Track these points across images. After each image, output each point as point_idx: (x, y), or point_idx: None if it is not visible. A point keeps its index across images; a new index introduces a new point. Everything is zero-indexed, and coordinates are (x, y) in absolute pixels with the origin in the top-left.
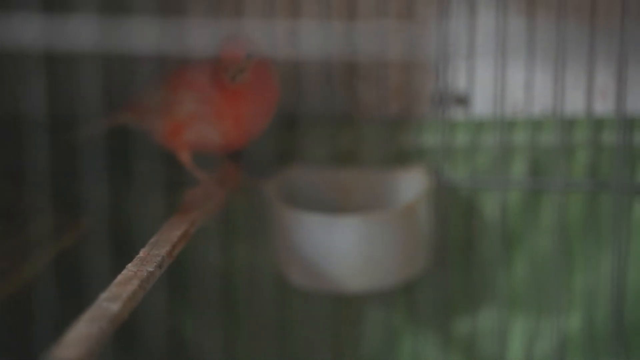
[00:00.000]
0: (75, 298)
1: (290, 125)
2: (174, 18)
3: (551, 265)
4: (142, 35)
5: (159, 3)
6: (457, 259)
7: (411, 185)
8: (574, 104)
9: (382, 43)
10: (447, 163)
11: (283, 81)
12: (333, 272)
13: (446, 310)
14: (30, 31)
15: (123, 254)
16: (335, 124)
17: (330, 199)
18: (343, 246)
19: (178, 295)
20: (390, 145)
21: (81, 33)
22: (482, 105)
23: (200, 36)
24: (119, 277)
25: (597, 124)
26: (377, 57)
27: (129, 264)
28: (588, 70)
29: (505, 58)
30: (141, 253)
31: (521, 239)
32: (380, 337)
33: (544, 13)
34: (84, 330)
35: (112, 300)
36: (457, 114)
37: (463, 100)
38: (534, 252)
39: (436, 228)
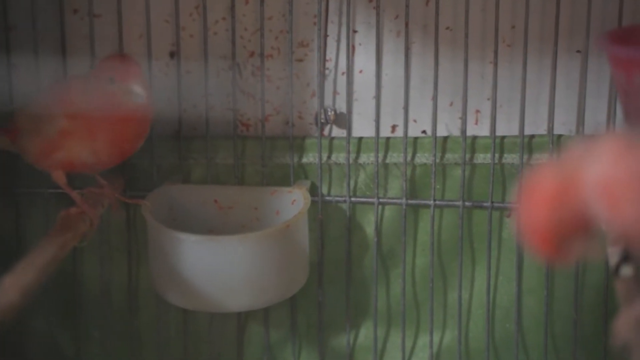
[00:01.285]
0: None
1: (171, 142)
2: None
3: (428, 281)
4: None
5: None
6: (336, 275)
7: (291, 202)
8: (451, 124)
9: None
10: (327, 180)
11: (163, 98)
12: (210, 291)
13: (325, 326)
14: None
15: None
16: (217, 140)
17: (210, 217)
18: (220, 266)
19: (58, 312)
20: (271, 162)
21: None
22: (361, 125)
23: None
24: None
25: (472, 144)
26: (258, 74)
27: None
28: (463, 92)
29: (380, 79)
30: (6, 281)
31: (399, 255)
32: (260, 352)
33: (419, 35)
34: None
35: None
36: (337, 132)
37: (343, 119)
38: (412, 268)
39: (315, 245)
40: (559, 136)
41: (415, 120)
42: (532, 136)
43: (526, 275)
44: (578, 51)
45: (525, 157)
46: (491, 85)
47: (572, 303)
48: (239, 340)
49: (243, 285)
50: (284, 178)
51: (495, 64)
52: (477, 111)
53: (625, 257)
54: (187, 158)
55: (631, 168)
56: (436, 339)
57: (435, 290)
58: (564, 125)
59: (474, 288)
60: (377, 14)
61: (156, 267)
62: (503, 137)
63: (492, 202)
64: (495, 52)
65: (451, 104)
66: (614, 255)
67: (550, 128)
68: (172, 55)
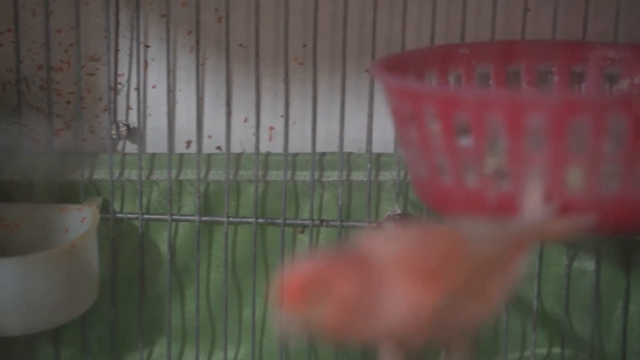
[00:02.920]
0: None
1: None
2: None
3: (222, 297)
4: None
5: None
6: (129, 292)
7: (81, 220)
8: (245, 140)
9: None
10: (120, 197)
11: None
12: None
13: (119, 344)
14: None
15: None
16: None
17: None
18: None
19: None
20: (61, 179)
21: None
22: (155, 140)
23: None
24: None
25: (265, 161)
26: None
27: None
28: (256, 109)
29: (174, 94)
30: None
31: (194, 271)
32: None
33: (213, 51)
34: None
35: None
36: (131, 148)
37: (136, 135)
38: (207, 284)
39: (108, 262)
40: (349, 154)
41: (209, 136)
42: (323, 154)
43: None
44: (366, 71)
45: (317, 174)
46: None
47: None
48: None
49: (22, 309)
50: (75, 195)
51: (287, 82)
52: (271, 128)
53: None
54: None
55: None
56: (231, 354)
57: (230, 306)
58: (354, 142)
59: (269, 303)
60: (168, 30)
61: None
62: (296, 155)
63: (285, 219)
64: (286, 70)
65: (245, 120)
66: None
67: (341, 146)
68: None
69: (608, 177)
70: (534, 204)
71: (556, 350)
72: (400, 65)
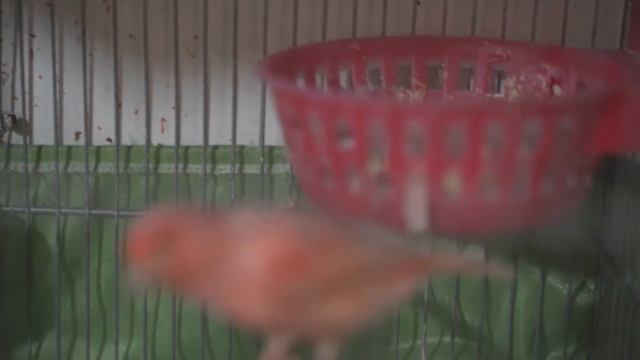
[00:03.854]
0: None
1: None
2: None
3: (114, 290)
4: None
5: None
6: (17, 287)
7: None
8: (136, 132)
9: None
10: (5, 190)
11: None
12: None
13: (6, 339)
14: None
15: None
16: None
17: None
18: None
19: None
20: None
21: None
22: (42, 132)
23: None
24: None
25: (156, 154)
26: None
27: None
28: (146, 101)
29: (62, 85)
30: None
31: (84, 265)
32: None
33: (101, 41)
34: None
35: None
36: (17, 139)
37: (22, 126)
38: (98, 277)
39: None
40: (242, 147)
41: (99, 128)
42: (216, 146)
43: None
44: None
45: (210, 167)
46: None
47: None
48: None
49: None
50: None
51: (177, 74)
52: (163, 120)
53: None
54: None
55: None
56: (123, 347)
57: (121, 299)
58: (247, 135)
59: (161, 296)
60: (52, 19)
61: None
62: (188, 147)
63: None
64: (177, 62)
65: (136, 112)
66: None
67: (234, 139)
68: None
69: (486, 182)
70: (415, 210)
71: (447, 339)
72: (290, 62)
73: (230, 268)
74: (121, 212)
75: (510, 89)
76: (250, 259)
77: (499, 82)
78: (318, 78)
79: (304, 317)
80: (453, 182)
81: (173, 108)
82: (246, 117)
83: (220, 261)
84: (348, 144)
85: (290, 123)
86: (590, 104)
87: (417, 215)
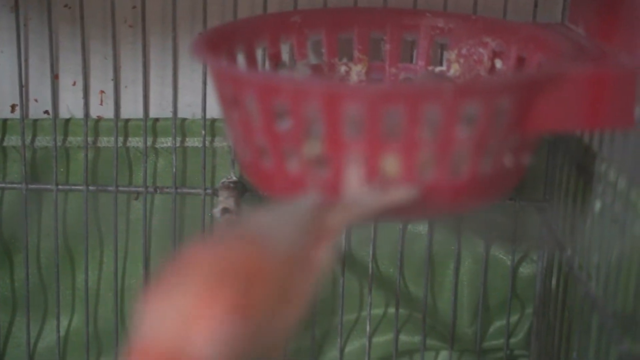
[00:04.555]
0: None
1: None
2: None
3: (54, 265)
4: None
5: None
6: None
7: None
8: (74, 105)
9: None
10: None
11: None
12: None
13: None
14: None
15: None
16: None
17: None
18: None
19: None
20: None
21: None
22: None
23: None
24: None
25: (95, 127)
26: None
27: None
28: (83, 72)
29: None
30: None
31: (22, 240)
32: None
33: (37, 11)
34: None
35: None
36: None
37: None
38: (37, 253)
39: None
40: (183, 120)
41: (36, 100)
42: (156, 119)
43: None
44: (200, 33)
45: (151, 140)
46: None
47: None
48: None
49: None
50: None
51: (115, 45)
52: (102, 92)
53: None
54: None
55: None
56: (64, 322)
57: (62, 274)
58: (189, 107)
59: (102, 271)
60: None
61: None
62: (128, 120)
63: (118, 186)
64: (114, 32)
65: (74, 84)
66: None
67: (175, 111)
68: None
69: (425, 164)
70: (353, 190)
71: (391, 310)
72: (229, 37)
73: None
74: (60, 187)
75: (452, 62)
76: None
77: (442, 55)
78: (259, 52)
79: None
80: (391, 164)
81: (112, 80)
82: (188, 88)
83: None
84: (286, 124)
85: (228, 102)
86: (527, 84)
87: (355, 195)
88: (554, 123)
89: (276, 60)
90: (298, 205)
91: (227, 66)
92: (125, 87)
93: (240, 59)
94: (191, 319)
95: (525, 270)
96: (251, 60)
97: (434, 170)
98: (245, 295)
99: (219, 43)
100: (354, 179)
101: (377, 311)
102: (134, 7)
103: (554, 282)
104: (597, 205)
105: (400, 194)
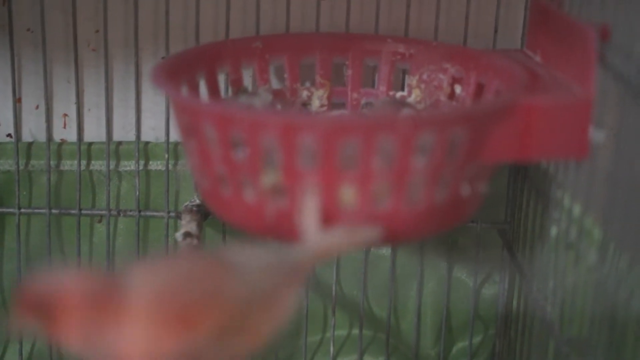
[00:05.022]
0: None
1: None
2: None
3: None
4: None
5: None
6: None
7: None
8: (37, 128)
9: None
10: None
11: None
12: None
13: None
14: None
15: None
16: None
17: None
18: None
19: None
20: None
21: None
22: None
23: None
24: None
25: (58, 150)
26: None
27: None
28: (46, 96)
29: None
30: None
31: None
32: None
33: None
34: None
35: None
36: None
37: None
38: (0, 276)
39: None
40: (147, 143)
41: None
42: (119, 142)
43: None
44: (163, 58)
45: (114, 163)
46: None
47: None
48: None
49: None
50: None
51: (77, 68)
52: (65, 115)
53: None
54: None
55: None
56: (27, 346)
57: None
58: (152, 130)
59: None
60: None
61: None
62: (91, 143)
63: (81, 209)
64: (76, 56)
65: (37, 107)
66: None
67: (137, 135)
68: None
69: (380, 193)
70: (310, 221)
71: (355, 331)
72: (190, 63)
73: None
74: (23, 210)
75: (414, 88)
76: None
77: (404, 80)
78: (222, 77)
79: None
80: (348, 194)
81: (75, 103)
82: (151, 112)
83: (102, 328)
84: (244, 153)
85: (187, 131)
86: (482, 115)
87: (311, 227)
88: (509, 153)
89: (238, 86)
90: (271, 246)
91: (185, 96)
92: (89, 110)
93: (202, 85)
94: (130, 336)
95: (487, 291)
96: (213, 86)
97: (391, 200)
98: (191, 315)
99: (180, 69)
100: (311, 209)
101: (341, 332)
102: (97, 30)
103: (515, 304)
104: (554, 230)
105: (365, 234)
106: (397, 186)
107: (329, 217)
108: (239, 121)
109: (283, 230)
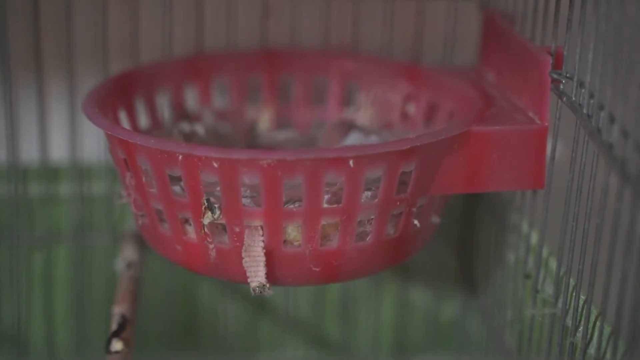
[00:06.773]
0: None
1: None
2: None
3: None
4: None
5: None
6: None
7: None
8: None
9: None
10: None
11: None
12: None
13: None
14: None
15: None
16: None
17: None
18: None
19: None
20: None
21: None
22: None
23: None
24: None
25: None
26: None
27: None
28: None
29: None
30: None
31: None
32: None
33: None
34: None
35: None
36: None
37: None
38: None
39: None
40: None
41: None
42: (58, 167)
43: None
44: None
45: (52, 187)
46: None
47: None
48: None
49: None
50: None
51: (9, 88)
52: None
53: (120, 327)
54: None
55: None
56: None
57: None
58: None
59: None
60: None
61: None
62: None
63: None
64: (8, 74)
65: None
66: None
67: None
68: None
69: (327, 230)
70: (253, 262)
71: (311, 351)
72: (127, 86)
73: None
74: None
75: (365, 105)
76: None
77: (356, 96)
78: (162, 100)
79: None
80: (293, 231)
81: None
82: (91, 133)
83: None
84: (182, 189)
85: (121, 164)
86: (431, 148)
87: (255, 267)
88: (460, 184)
89: (179, 110)
90: None
91: (117, 129)
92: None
93: (140, 109)
94: None
95: (445, 313)
96: (152, 110)
97: (338, 236)
98: None
99: (116, 94)
100: (253, 250)
101: (296, 353)
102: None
103: (472, 326)
104: (511, 257)
105: None
106: (345, 222)
107: (274, 257)
108: (175, 157)
109: (226, 270)
